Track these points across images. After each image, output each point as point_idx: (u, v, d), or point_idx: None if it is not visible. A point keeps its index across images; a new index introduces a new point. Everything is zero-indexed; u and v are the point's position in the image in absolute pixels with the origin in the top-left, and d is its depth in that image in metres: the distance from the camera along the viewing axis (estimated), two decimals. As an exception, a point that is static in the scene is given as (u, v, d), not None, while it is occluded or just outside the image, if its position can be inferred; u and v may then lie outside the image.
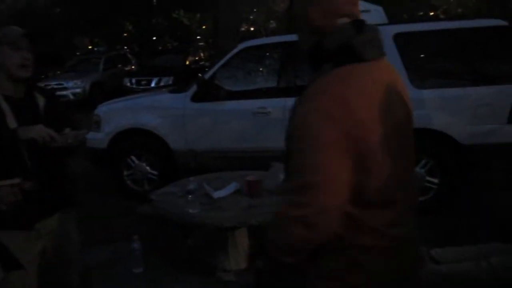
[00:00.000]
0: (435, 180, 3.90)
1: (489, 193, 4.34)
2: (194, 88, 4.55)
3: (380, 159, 1.06)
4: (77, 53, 21.33)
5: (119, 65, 14.40)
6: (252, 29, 25.22)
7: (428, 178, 3.91)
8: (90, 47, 25.98)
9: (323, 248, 1.10)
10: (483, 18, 4.41)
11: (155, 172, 4.69)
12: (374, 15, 7.40)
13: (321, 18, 1.12)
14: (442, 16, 16.32)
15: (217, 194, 2.89)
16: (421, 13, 16.50)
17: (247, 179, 2.91)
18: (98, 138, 4.76)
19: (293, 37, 4.12)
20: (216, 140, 4.44)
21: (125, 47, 21.52)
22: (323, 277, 1.15)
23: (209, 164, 4.40)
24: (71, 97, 12.08)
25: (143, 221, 3.76)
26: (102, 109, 4.99)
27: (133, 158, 4.72)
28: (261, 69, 4.77)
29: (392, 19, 8.17)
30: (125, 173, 4.74)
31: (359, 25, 1.12)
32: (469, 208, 3.99)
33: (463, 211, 3.93)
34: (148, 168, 4.71)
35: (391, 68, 1.21)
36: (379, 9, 7.63)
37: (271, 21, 24.92)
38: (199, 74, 7.03)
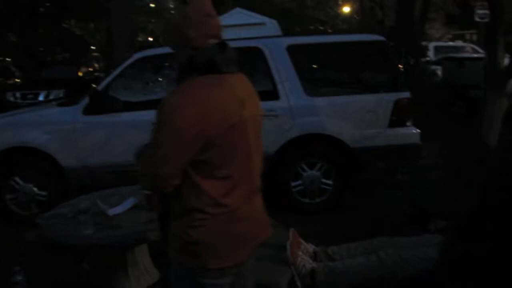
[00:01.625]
0: (330, 182, 4.14)
1: (376, 192, 4.73)
2: (86, 100, 4.27)
3: (220, 145, 1.42)
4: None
5: (0, 79, 13.00)
6: (150, 39, 24.66)
7: (323, 180, 4.15)
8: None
9: (175, 211, 1.49)
10: (365, 34, 4.86)
11: (44, 193, 4.28)
12: (269, 27, 7.72)
13: (197, 38, 1.46)
14: (330, 31, 17.63)
15: (113, 211, 2.72)
16: (312, 27, 17.66)
17: (145, 193, 2.79)
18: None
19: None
20: (113, 154, 4.20)
21: (8, 59, 19.55)
22: (175, 235, 1.50)
23: (106, 180, 4.14)
24: None
25: (28, 249, 3.40)
26: (-21, 127, 4.43)
27: (17, 179, 4.26)
28: (158, 79, 4.65)
29: (286, 32, 8.59)
30: (8, 196, 4.26)
31: (222, 46, 1.48)
32: (360, 206, 4.30)
33: (355, 209, 4.22)
34: (35, 189, 4.28)
35: (244, 80, 1.60)
36: (274, 22, 7.97)
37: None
38: (93, 86, 6.64)
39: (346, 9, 21.07)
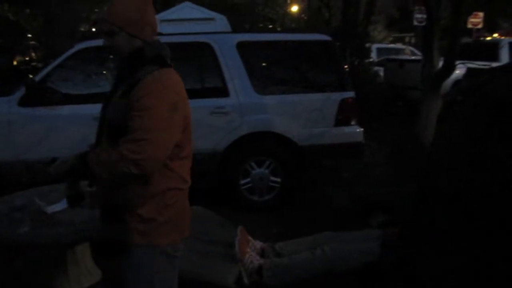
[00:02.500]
0: (278, 179, 4.19)
1: (322, 188, 4.86)
2: (22, 91, 4.01)
3: (187, 127, 1.61)
4: None
5: None
6: (94, 29, 23.64)
7: (272, 178, 4.19)
8: None
9: (140, 196, 1.54)
10: (312, 33, 4.94)
11: (-26, 189, 3.97)
12: (218, 23, 7.66)
13: (149, 33, 1.61)
14: (279, 29, 17.82)
15: (52, 209, 2.58)
16: (261, 25, 17.75)
17: (87, 189, 2.67)
18: None
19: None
20: (51, 149, 3.96)
21: None
22: (140, 221, 1.56)
23: (44, 176, 3.91)
24: None
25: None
26: None
27: None
28: (102, 71, 4.46)
29: (235, 28, 8.57)
30: None
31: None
32: (307, 203, 4.40)
33: (302, 206, 4.31)
34: (-35, 185, 3.96)
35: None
36: (223, 18, 7.92)
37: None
38: (30, 76, 6.24)
39: (294, 8, 21.42)
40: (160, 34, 4.82)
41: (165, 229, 1.58)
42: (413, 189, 2.76)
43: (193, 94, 4.07)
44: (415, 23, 14.16)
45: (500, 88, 0.92)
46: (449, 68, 5.10)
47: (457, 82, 7.51)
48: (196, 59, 4.22)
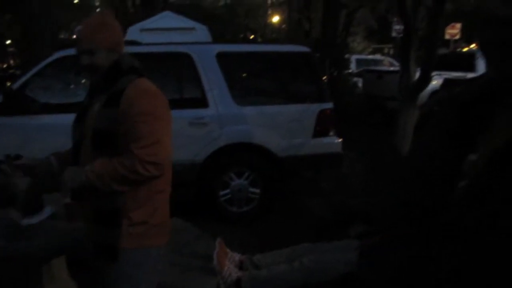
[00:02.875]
0: (257, 191, 4.21)
1: (301, 199, 4.89)
2: (-1, 99, 3.94)
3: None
4: None
5: None
6: (74, 37, 23.36)
7: (251, 189, 4.20)
8: None
9: (134, 200, 1.60)
10: (292, 44, 5.01)
11: None
12: (199, 33, 7.69)
13: (122, 45, 1.70)
14: (260, 40, 17.98)
15: (27, 221, 2.53)
16: (242, 35, 17.87)
17: (64, 202, 2.63)
18: None
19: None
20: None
21: None
22: (133, 224, 1.61)
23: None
24: None
25: None
26: None
27: None
28: (81, 80, 4.42)
29: (216, 38, 8.60)
30: None
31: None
32: (286, 214, 4.42)
33: (281, 217, 4.33)
34: None
35: None
36: (204, 27, 7.95)
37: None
38: (8, 84, 6.12)
39: (275, 19, 21.64)
40: (138, 43, 4.84)
41: (155, 232, 1.65)
42: (391, 198, 2.80)
43: (172, 104, 4.10)
44: (394, 34, 14.45)
45: (465, 93, 0.97)
46: (426, 79, 5.20)
47: (434, 92, 7.72)
48: (175, 69, 4.22)
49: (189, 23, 7.88)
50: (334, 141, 4.39)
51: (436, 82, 5.77)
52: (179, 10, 10.80)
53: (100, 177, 1.56)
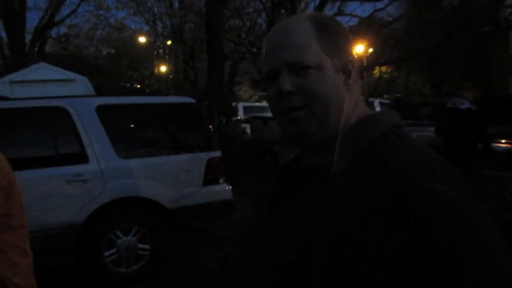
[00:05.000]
0: (147, 246, 3.99)
1: (192, 251, 4.75)
2: None
3: (11, 193, 1.55)
4: None
5: None
6: None
7: (140, 245, 3.97)
8: None
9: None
10: (177, 96, 5.04)
11: None
12: (79, 84, 7.36)
13: None
14: (147, 90, 17.78)
15: None
16: (129, 85, 17.54)
17: None
18: None
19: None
20: None
21: None
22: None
23: None
24: None
25: None
26: None
27: None
28: None
29: (99, 90, 8.30)
30: None
31: None
32: (178, 269, 4.23)
33: (173, 272, 4.13)
34: None
35: None
36: (85, 79, 7.65)
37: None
38: None
39: (163, 69, 21.72)
40: (6, 98, 4.43)
41: None
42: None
43: (46, 162, 3.76)
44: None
45: None
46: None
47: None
48: (50, 125, 3.92)
49: (68, 74, 7.52)
50: (224, 189, 4.42)
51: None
52: (57, 60, 10.25)
53: None
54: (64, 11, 15.39)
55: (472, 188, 0.68)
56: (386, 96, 18.19)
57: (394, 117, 0.80)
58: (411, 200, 0.61)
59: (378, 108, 13.37)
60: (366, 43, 13.40)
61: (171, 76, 19.65)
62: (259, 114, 11.81)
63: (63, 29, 16.07)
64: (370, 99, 13.20)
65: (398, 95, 19.00)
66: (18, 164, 2.56)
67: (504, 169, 5.97)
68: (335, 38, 0.79)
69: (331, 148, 0.76)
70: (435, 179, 0.64)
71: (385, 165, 0.68)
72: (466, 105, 5.23)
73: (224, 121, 9.78)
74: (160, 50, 20.68)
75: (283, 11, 8.92)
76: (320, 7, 9.59)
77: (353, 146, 0.74)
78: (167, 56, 19.65)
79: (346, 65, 0.80)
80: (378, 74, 17.30)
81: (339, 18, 4.50)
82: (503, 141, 6.37)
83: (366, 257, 0.61)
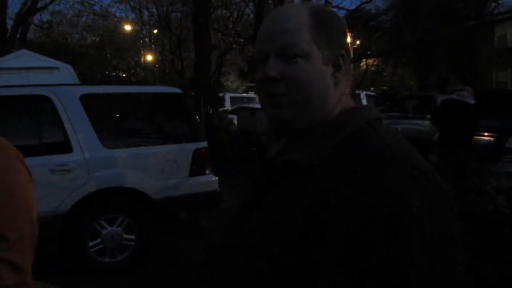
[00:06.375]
0: (132, 237, 3.96)
1: (179, 242, 4.73)
2: None
3: None
4: None
5: None
6: None
7: (125, 235, 3.94)
8: None
9: None
10: (163, 85, 4.98)
11: None
12: (62, 73, 7.22)
13: None
14: (133, 79, 17.57)
15: None
16: (113, 74, 17.30)
17: None
18: None
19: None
20: None
21: None
22: None
23: None
24: None
25: None
26: None
27: None
28: None
29: (84, 78, 8.16)
30: None
31: None
32: (165, 260, 4.22)
33: (159, 264, 4.12)
34: None
35: None
36: (68, 67, 7.50)
37: None
38: None
39: (149, 58, 21.46)
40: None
41: None
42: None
43: (29, 151, 3.70)
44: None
45: None
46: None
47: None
48: (33, 114, 3.84)
49: (51, 62, 7.37)
50: (211, 179, 4.40)
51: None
52: (39, 48, 10.04)
53: None
54: (47, -3, 15.05)
55: (437, 180, 0.69)
56: (372, 88, 18.31)
57: (372, 110, 0.82)
58: (370, 196, 0.64)
59: (364, 100, 13.44)
60: (353, 35, 13.42)
61: (157, 66, 19.45)
62: (246, 105, 11.77)
63: (46, 16, 15.75)
64: (357, 91, 13.27)
65: (384, 87, 19.16)
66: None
67: (485, 162, 6.08)
68: (329, 31, 0.80)
69: (312, 140, 0.77)
70: (398, 173, 0.66)
71: (355, 158, 0.70)
72: (472, 100, 5.53)
73: (211, 111, 9.73)
74: (146, 39, 20.42)
75: (270, 1, 8.87)
76: (308, -2, 9.55)
77: (330, 139, 0.76)
78: (153, 45, 19.42)
79: (337, 58, 0.80)
80: (365, 67, 17.38)
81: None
82: (485, 134, 6.48)
83: (326, 244, 0.64)
